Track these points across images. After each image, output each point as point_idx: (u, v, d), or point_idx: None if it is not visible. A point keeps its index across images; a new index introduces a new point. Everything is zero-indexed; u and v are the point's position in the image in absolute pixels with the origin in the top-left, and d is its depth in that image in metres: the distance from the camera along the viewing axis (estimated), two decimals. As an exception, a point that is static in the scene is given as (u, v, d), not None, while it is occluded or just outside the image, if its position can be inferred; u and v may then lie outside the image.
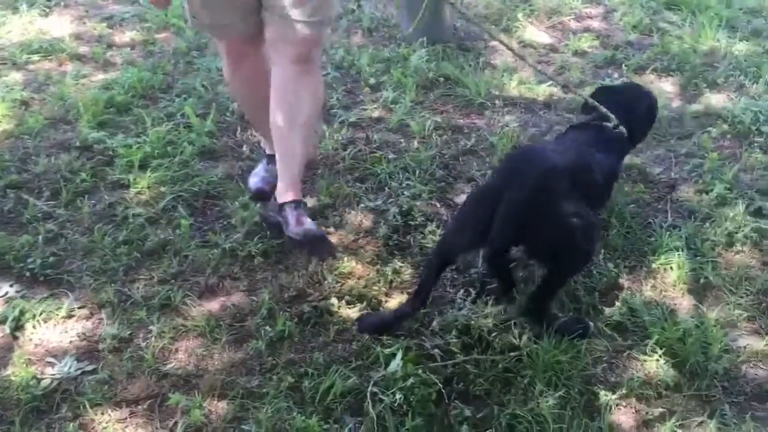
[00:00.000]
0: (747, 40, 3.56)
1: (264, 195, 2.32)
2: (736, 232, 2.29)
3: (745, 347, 1.94)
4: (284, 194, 2.08)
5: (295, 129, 2.09)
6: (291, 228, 2.04)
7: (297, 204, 2.06)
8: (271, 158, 2.33)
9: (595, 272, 2.13)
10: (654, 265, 2.19)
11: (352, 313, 2.00)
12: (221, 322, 1.97)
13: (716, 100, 3.08)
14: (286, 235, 2.07)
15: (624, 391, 1.79)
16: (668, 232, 2.29)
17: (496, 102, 3.00)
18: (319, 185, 2.49)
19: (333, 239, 2.23)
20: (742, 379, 1.86)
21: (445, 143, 2.75)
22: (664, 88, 3.18)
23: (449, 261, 1.98)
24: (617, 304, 2.05)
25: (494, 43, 3.36)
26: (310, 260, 2.13)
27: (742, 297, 2.09)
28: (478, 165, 2.63)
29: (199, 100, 2.93)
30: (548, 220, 1.79)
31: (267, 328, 1.94)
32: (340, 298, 2.03)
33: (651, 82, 3.17)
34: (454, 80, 3.14)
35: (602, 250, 2.21)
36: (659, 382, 1.81)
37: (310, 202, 2.35)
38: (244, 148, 2.70)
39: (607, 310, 2.02)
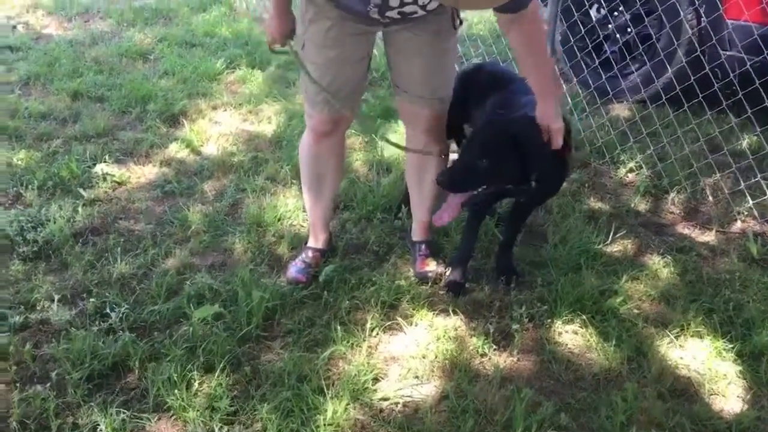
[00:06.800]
0: (30, 148, 3.60)
1: (300, 283, 2.59)
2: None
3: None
4: (415, 234, 2.78)
5: (425, 186, 2.64)
6: (416, 268, 2.69)
7: (424, 243, 2.74)
8: (311, 249, 2.71)
9: None
10: None
11: None
12: None
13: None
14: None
15: None
16: None
17: None
18: None
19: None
20: None
21: None
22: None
23: None
24: None
25: None
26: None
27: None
28: None
29: None
30: None
31: None
32: None
33: None
34: None
35: None
36: None
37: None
38: None
39: None
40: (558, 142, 2.18)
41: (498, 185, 2.28)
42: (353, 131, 3.85)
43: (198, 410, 2.04)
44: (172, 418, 2.04)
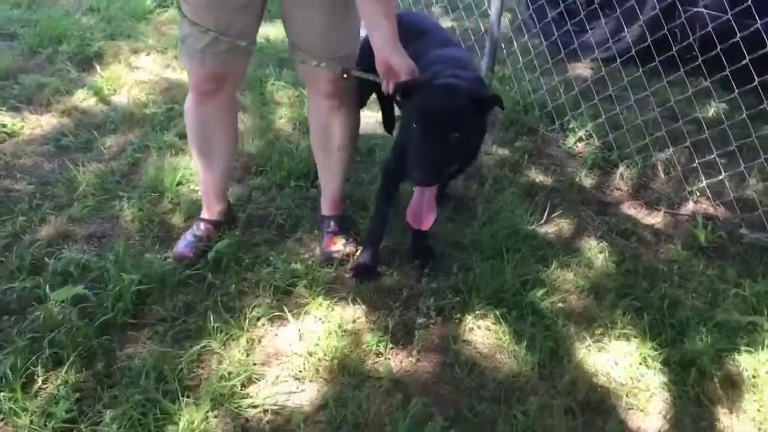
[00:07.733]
0: None
1: (185, 259, 2.27)
2: None
3: None
4: (324, 207, 2.47)
5: (330, 155, 2.34)
6: (323, 246, 2.38)
7: (333, 218, 2.43)
8: (203, 221, 2.39)
9: None
10: None
11: None
12: None
13: None
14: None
15: None
16: None
17: None
18: None
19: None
20: None
21: None
22: None
23: None
24: None
25: None
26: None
27: None
28: None
29: None
30: None
31: None
32: None
33: None
34: None
35: None
36: None
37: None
38: None
39: None
40: (400, 78, 1.87)
41: (466, 158, 2.02)
42: (282, 83, 3.50)
43: (33, 415, 1.75)
44: (2, 423, 1.76)
